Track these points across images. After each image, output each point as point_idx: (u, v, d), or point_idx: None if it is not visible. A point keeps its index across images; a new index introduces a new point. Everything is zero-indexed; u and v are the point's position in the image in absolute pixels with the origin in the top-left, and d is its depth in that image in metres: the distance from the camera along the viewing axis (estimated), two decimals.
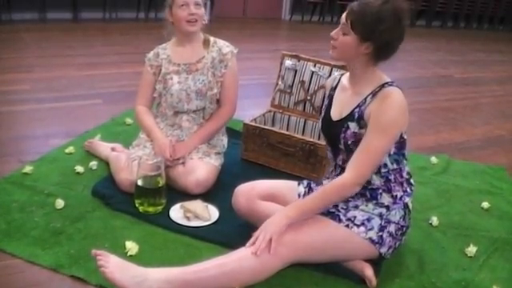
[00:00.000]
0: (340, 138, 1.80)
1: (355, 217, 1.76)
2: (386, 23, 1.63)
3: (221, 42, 2.43)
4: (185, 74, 2.37)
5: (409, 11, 1.67)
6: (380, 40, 1.65)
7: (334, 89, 1.96)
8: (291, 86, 2.85)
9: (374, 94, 1.73)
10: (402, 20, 1.66)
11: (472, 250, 2.04)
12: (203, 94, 2.37)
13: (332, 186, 1.74)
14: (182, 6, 2.25)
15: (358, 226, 1.75)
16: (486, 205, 2.45)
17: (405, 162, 1.83)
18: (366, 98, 1.74)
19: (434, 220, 2.25)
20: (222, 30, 2.52)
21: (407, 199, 1.83)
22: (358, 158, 1.70)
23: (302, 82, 2.81)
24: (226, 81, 2.41)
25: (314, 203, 1.73)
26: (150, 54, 2.44)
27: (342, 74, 1.94)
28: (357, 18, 1.66)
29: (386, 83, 1.73)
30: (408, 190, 1.84)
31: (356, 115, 1.75)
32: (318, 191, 1.79)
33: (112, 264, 1.57)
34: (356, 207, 1.78)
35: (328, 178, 1.95)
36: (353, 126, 1.76)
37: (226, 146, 2.55)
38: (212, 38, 2.43)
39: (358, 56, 1.71)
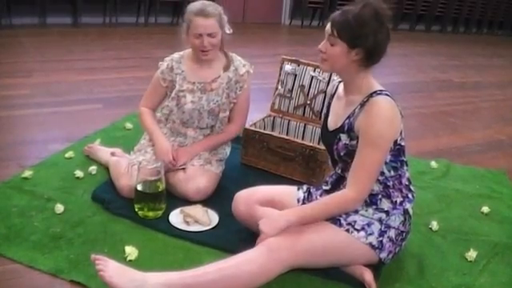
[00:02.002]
0: (333, 149, 1.81)
1: (355, 221, 1.76)
2: (370, 26, 1.65)
3: (237, 60, 2.39)
4: (199, 93, 2.33)
5: (388, 11, 1.68)
6: (368, 43, 1.66)
7: (332, 96, 1.96)
8: (291, 91, 2.86)
9: (362, 104, 1.73)
10: (384, 20, 1.67)
11: (472, 254, 2.04)
12: (215, 114, 2.36)
13: (334, 201, 1.75)
14: (197, 36, 2.21)
15: (358, 230, 1.74)
16: (486, 209, 2.45)
17: (405, 168, 1.82)
18: (355, 109, 1.74)
19: (434, 224, 2.25)
20: None
21: (408, 205, 1.83)
22: (356, 173, 1.71)
23: (302, 87, 2.81)
24: (239, 100, 2.40)
25: (314, 213, 1.74)
26: (164, 67, 2.36)
27: (340, 82, 1.93)
28: (341, 26, 1.67)
29: (375, 92, 1.72)
30: (409, 195, 1.84)
31: (346, 127, 1.76)
32: (320, 202, 1.80)
33: (111, 268, 1.57)
34: (356, 212, 1.78)
35: (326, 182, 1.95)
36: (344, 138, 1.77)
37: (228, 153, 2.53)
38: (230, 55, 2.38)
39: (350, 64, 1.72)
